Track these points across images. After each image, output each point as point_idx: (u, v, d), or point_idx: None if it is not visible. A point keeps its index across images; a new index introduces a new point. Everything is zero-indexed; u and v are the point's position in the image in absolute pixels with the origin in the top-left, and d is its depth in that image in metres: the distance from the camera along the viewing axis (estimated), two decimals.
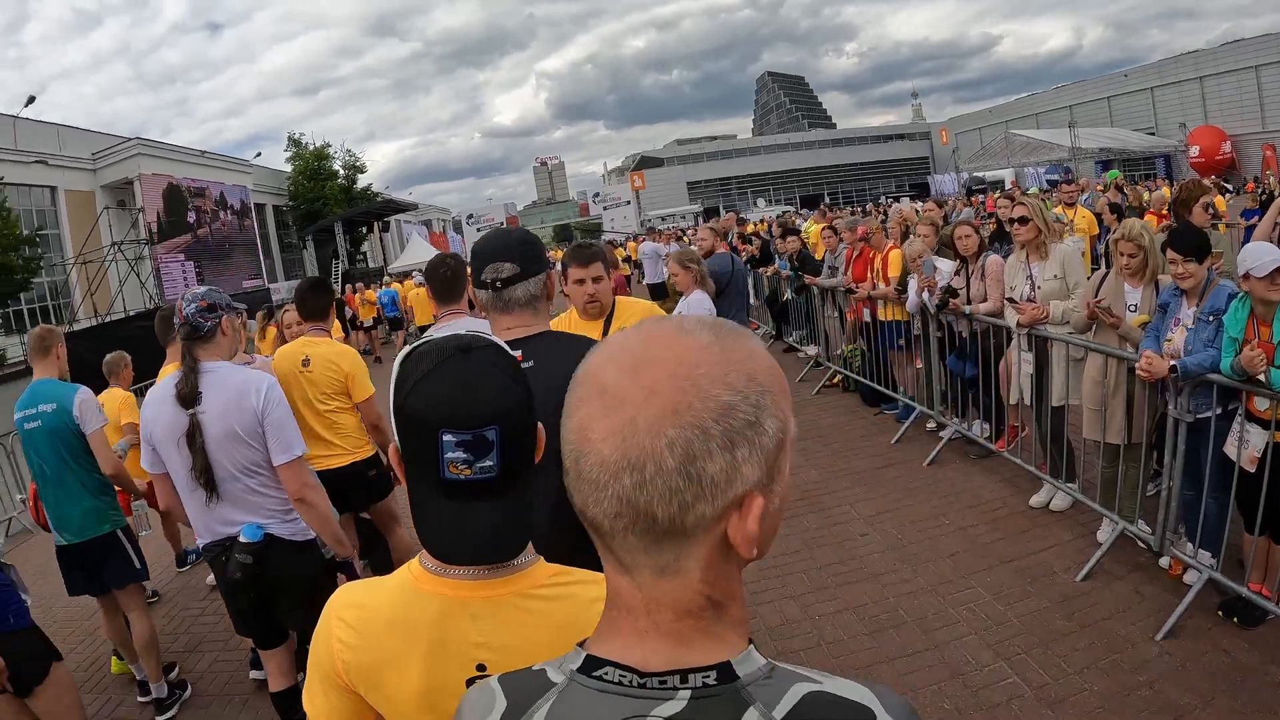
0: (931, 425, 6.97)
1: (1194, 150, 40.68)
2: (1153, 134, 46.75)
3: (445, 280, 3.53)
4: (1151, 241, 4.45)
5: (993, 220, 10.24)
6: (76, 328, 22.59)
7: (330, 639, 1.26)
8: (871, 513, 5.54)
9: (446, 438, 1.15)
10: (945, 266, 6.23)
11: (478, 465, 1.16)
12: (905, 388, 7.41)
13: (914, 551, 4.88)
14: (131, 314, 22.72)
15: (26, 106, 28.27)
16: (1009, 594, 4.26)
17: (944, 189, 46.57)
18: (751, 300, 13.31)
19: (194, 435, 3.05)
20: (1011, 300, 5.27)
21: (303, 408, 4.18)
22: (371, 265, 38.09)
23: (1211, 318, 3.84)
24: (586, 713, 0.76)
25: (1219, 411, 3.82)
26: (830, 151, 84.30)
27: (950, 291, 5.94)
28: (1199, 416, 3.89)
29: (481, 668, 1.21)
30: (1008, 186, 37.68)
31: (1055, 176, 36.96)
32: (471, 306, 3.18)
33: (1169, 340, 4.08)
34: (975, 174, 45.30)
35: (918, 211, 11.14)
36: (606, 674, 0.77)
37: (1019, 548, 4.76)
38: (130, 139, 33.06)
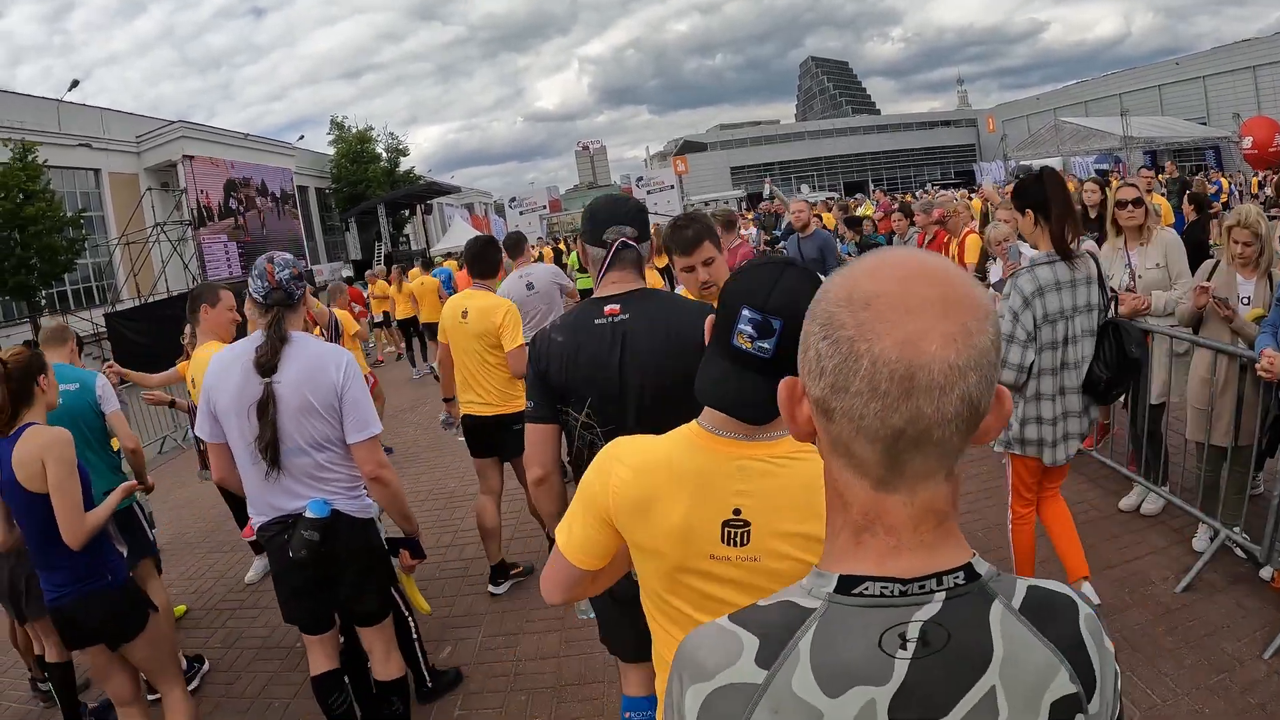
0: None
1: (1247, 142, 39.24)
2: (1204, 124, 45.26)
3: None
4: (1268, 230, 4.11)
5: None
6: (120, 308, 22.88)
7: (609, 478, 1.55)
8: None
9: (744, 312, 1.41)
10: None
11: (757, 343, 1.40)
12: None
13: (1001, 555, 4.54)
14: (175, 294, 22.78)
15: (70, 90, 28.60)
16: (1109, 605, 3.95)
17: (990, 177, 45.55)
18: None
19: (267, 406, 2.87)
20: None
21: (463, 356, 4.75)
22: (415, 248, 38.09)
23: None
24: (849, 631, 0.78)
25: None
26: (874, 138, 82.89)
27: None
28: None
29: (737, 511, 1.47)
30: None
31: (1105, 166, 35.93)
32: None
33: None
34: (1023, 162, 44.23)
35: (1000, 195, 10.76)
36: (867, 589, 0.79)
37: (1113, 555, 4.45)
38: (174, 122, 33.28)
